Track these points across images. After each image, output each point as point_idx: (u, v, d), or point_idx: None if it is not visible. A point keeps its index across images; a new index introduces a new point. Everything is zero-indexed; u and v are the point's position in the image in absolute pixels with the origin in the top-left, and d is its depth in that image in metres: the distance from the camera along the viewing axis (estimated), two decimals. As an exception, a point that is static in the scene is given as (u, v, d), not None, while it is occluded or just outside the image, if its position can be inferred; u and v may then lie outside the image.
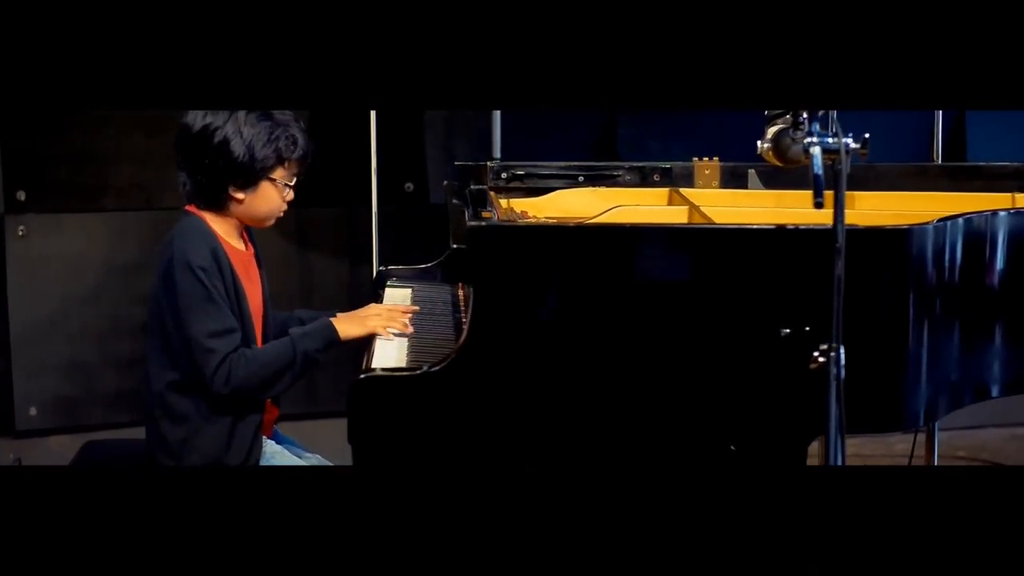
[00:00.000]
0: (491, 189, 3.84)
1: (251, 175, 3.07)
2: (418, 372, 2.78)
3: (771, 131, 3.15)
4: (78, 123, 4.66)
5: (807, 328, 2.76)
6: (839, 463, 2.58)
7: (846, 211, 3.52)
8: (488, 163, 3.89)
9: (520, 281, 2.79)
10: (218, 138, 3.04)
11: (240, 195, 3.08)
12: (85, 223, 4.74)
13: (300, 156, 3.11)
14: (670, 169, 3.91)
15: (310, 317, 3.37)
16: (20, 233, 4.67)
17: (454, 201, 3.61)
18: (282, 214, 3.19)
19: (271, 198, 3.11)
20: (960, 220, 3.03)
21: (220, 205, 3.10)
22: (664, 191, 3.85)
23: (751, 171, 3.90)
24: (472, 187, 3.84)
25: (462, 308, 3.60)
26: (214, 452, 3.07)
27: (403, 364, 3.01)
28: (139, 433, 4.48)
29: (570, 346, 2.79)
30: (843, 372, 2.53)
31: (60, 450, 4.68)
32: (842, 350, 2.51)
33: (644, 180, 3.91)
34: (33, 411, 4.75)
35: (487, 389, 2.77)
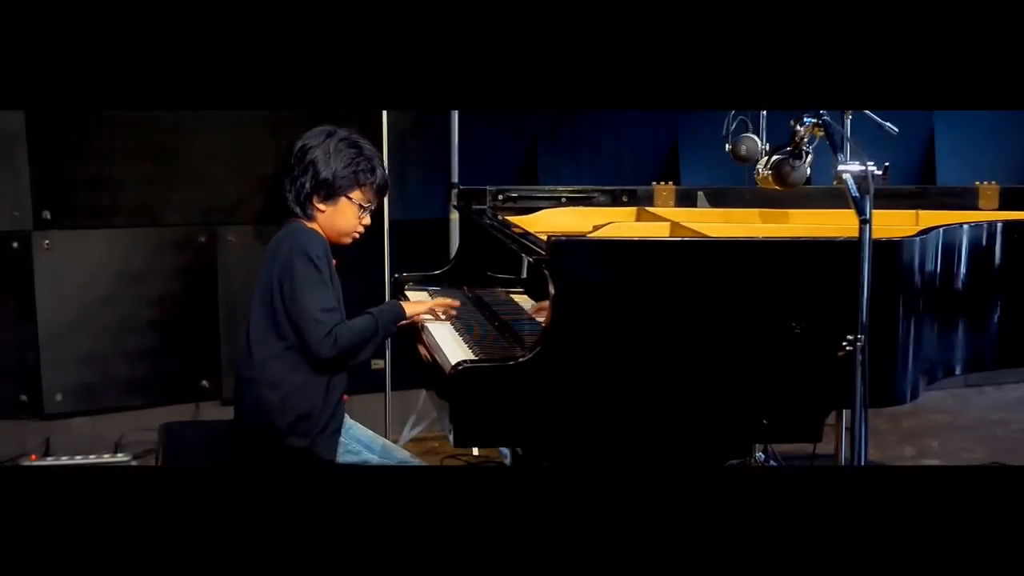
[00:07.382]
0: (491, 208, 4.39)
1: (332, 190, 3.55)
2: (511, 362, 3.13)
3: (772, 160, 3.66)
4: (92, 151, 5.06)
5: (820, 323, 3.16)
6: (863, 434, 2.89)
7: (781, 226, 4.24)
8: (488, 188, 4.44)
9: (596, 287, 3.12)
10: (311, 156, 3.54)
11: (322, 206, 3.56)
12: (101, 238, 5.16)
13: (376, 186, 3.61)
14: (636, 191, 4.49)
15: None
16: (46, 246, 5.04)
17: (485, 220, 4.15)
18: (358, 236, 3.66)
19: (348, 215, 3.59)
20: (940, 231, 3.44)
21: (308, 214, 3.56)
22: (632, 210, 4.43)
23: (699, 193, 4.52)
24: (474, 206, 4.42)
25: (474, 305, 4.07)
26: (305, 412, 3.49)
27: (472, 357, 3.35)
28: (155, 414, 5.02)
29: (636, 342, 3.14)
30: (867, 358, 2.93)
31: (81, 430, 5.14)
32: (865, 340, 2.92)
33: (615, 201, 4.48)
34: (59, 397, 5.13)
35: (567, 378, 3.12)
